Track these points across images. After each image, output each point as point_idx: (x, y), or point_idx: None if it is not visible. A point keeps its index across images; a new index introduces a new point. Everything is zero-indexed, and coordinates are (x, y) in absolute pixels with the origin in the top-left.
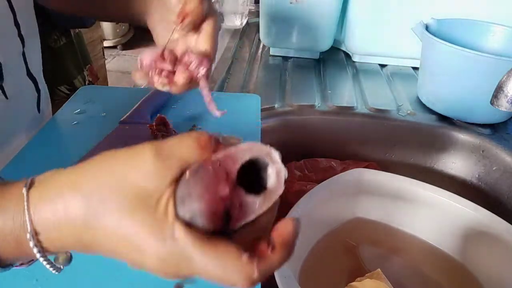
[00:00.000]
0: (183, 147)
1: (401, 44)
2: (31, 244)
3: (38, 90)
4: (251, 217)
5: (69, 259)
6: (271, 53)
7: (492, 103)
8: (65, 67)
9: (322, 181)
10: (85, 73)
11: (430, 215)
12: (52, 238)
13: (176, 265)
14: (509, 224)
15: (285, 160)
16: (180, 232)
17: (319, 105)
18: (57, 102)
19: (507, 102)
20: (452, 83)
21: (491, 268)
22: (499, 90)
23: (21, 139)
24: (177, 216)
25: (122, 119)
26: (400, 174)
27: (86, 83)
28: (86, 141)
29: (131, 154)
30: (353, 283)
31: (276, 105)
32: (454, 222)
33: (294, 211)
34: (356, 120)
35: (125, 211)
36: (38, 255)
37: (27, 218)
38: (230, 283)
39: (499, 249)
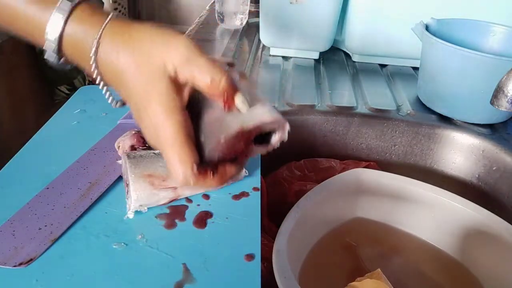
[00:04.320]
0: (210, 73)
1: (401, 44)
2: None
3: None
4: (249, 157)
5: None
6: (271, 53)
7: (492, 103)
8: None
9: (322, 181)
10: (85, 73)
11: (430, 215)
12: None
13: (155, 133)
14: (509, 224)
15: (285, 160)
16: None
17: (319, 105)
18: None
19: (507, 102)
20: (452, 83)
21: (491, 268)
22: (499, 90)
23: None
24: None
25: (122, 118)
26: (400, 174)
27: (86, 83)
28: (86, 140)
29: (167, 41)
30: (353, 283)
31: (276, 105)
32: (454, 222)
33: (294, 211)
34: (356, 120)
35: (152, 79)
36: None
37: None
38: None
39: (499, 249)
